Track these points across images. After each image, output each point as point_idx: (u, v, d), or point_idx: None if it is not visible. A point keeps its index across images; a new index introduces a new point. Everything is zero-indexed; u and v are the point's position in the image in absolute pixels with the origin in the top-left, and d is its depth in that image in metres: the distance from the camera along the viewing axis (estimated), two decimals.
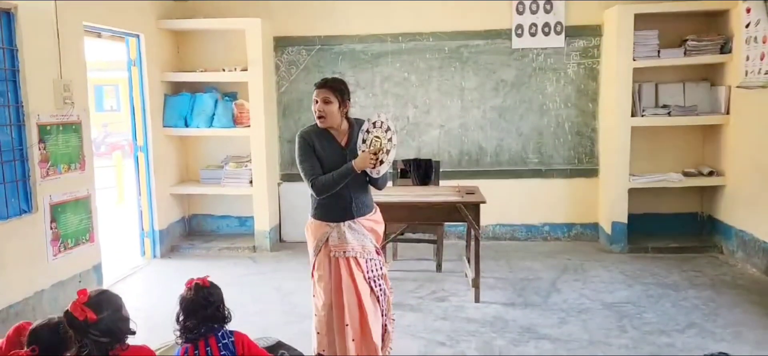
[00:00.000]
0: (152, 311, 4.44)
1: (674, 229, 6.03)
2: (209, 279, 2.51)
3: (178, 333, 2.44)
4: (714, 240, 5.79)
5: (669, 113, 5.65)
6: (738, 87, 5.26)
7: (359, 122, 3.25)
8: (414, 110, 6.24)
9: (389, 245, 5.55)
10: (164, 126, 6.03)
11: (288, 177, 6.45)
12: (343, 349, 3.14)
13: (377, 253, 3.27)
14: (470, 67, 6.11)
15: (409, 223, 5.13)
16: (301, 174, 3.18)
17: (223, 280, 5.19)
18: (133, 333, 2.28)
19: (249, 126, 6.01)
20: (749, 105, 5.17)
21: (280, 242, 6.41)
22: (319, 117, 3.12)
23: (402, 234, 5.36)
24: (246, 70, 5.94)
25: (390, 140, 3.06)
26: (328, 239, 3.15)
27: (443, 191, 4.88)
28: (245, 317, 4.40)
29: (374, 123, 3.11)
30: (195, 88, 6.19)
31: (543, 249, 5.99)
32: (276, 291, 4.97)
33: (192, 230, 6.63)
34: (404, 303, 4.61)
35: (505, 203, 6.08)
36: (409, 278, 5.19)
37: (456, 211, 4.42)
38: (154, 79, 5.85)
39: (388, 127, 3.09)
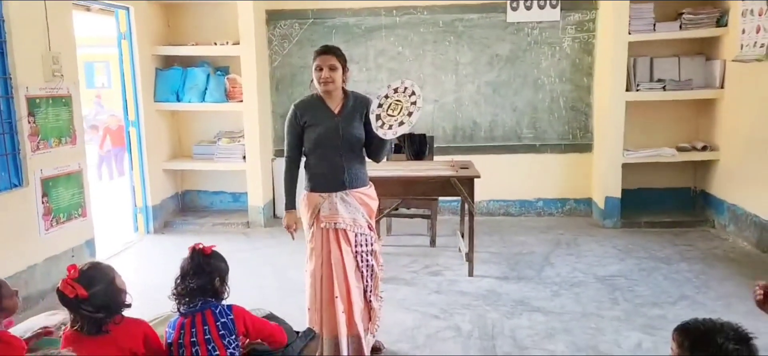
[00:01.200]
0: (145, 286, 4.42)
1: (667, 203, 6.05)
2: (215, 248, 2.42)
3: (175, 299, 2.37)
4: (706, 214, 5.81)
5: (664, 88, 5.63)
6: (733, 61, 5.23)
7: (356, 95, 3.23)
8: None
9: (384, 221, 5.55)
10: (156, 101, 5.97)
11: (281, 153, 6.37)
12: (333, 322, 3.12)
13: (369, 228, 3.24)
14: (465, 41, 6.06)
15: (403, 198, 5.12)
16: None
17: None
18: (129, 305, 2.23)
19: (241, 101, 5.96)
20: (744, 79, 5.16)
21: (274, 217, 6.40)
22: (326, 83, 3.08)
23: (396, 209, 5.36)
24: (238, 44, 5.88)
25: (414, 103, 3.08)
26: (319, 210, 3.13)
27: (437, 166, 4.87)
28: (240, 291, 4.36)
29: (396, 89, 3.12)
30: (186, 62, 6.12)
31: (537, 224, 6.01)
32: (270, 266, 4.97)
33: (185, 206, 6.60)
34: (398, 277, 4.62)
35: (499, 178, 6.08)
36: (404, 253, 5.20)
37: (450, 186, 4.41)
38: (145, 53, 5.79)
39: (413, 92, 3.10)
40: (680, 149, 5.77)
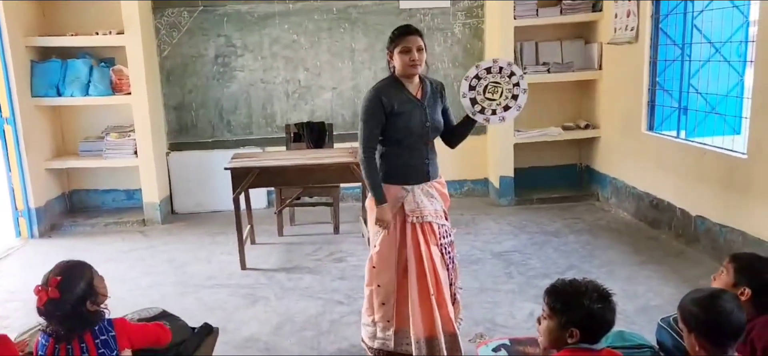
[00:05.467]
0: (30, 294, 4.14)
1: (556, 180, 6.41)
2: (60, 280, 2.08)
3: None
4: (591, 189, 6.22)
5: (548, 70, 5.94)
6: (608, 43, 5.62)
7: (430, 80, 3.05)
8: (305, 72, 6.15)
9: (286, 210, 5.51)
10: (33, 96, 5.56)
11: (177, 146, 6.20)
12: (430, 320, 2.92)
13: (446, 218, 3.08)
14: (359, 28, 6.10)
15: (305, 187, 5.11)
16: (359, 133, 2.94)
17: (110, 256, 4.98)
18: None
19: (130, 93, 5.66)
20: (618, 60, 5.54)
21: (172, 214, 6.18)
22: (414, 65, 2.84)
23: (298, 198, 5.33)
24: (122, 33, 5.57)
25: (517, 84, 2.90)
26: (403, 203, 2.94)
27: (337, 154, 4.89)
28: (137, 291, 4.24)
29: (487, 68, 2.93)
30: (66, 53, 5.72)
31: None
32: (169, 264, 4.80)
33: (74, 207, 6.22)
34: (302, 265, 4.62)
35: None
36: (307, 241, 5.19)
37: (350, 172, 4.44)
38: (17, 44, 5.35)
39: (512, 72, 2.92)
40: (565, 128, 6.12)
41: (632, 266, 4.36)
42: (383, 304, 3.02)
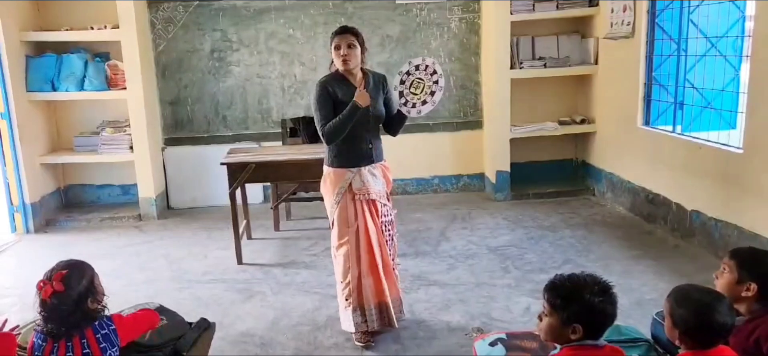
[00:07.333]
0: (26, 289, 4.14)
1: (552, 175, 6.41)
2: (65, 274, 2.12)
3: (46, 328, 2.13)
4: (587, 183, 6.22)
5: (545, 65, 5.92)
6: (604, 38, 5.62)
7: (373, 73, 3.35)
8: (301, 67, 6.14)
9: (282, 205, 5.51)
10: (28, 91, 5.53)
11: (172, 141, 6.18)
12: (380, 289, 3.25)
13: (388, 199, 3.39)
14: (355, 22, 6.05)
15: (301, 182, 5.10)
16: (316, 122, 3.25)
17: (106, 251, 4.96)
18: None
19: (125, 88, 5.64)
20: (614, 55, 5.54)
21: (168, 209, 6.16)
22: (345, 61, 3.16)
23: (294, 194, 5.32)
24: (117, 27, 5.55)
25: (436, 82, 3.28)
26: (350, 184, 3.23)
27: None
28: (132, 286, 4.24)
29: (417, 66, 3.30)
30: (61, 48, 5.70)
31: (433, 201, 6.17)
32: (164, 259, 4.79)
33: (69, 202, 6.20)
34: (298, 260, 4.62)
35: (395, 158, 6.02)
36: (303, 236, 5.19)
37: None
38: (12, 39, 5.33)
39: (435, 70, 3.30)
40: (561, 123, 6.12)
41: (628, 260, 4.37)
42: (341, 281, 3.29)
